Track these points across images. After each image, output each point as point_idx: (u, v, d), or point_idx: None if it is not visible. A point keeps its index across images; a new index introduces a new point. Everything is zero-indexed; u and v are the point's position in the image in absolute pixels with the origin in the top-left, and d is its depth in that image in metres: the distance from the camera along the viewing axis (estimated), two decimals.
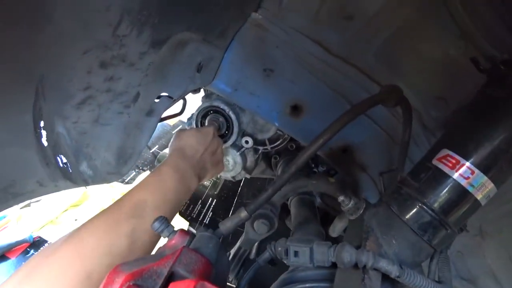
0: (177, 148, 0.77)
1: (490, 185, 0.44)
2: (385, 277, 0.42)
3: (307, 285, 0.46)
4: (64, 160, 0.61)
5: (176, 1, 0.56)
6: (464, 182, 0.44)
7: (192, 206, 1.58)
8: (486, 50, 0.66)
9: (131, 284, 0.28)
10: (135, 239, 0.53)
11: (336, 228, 0.94)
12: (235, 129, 0.95)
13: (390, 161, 0.84)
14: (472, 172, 0.43)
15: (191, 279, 0.29)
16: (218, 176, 1.21)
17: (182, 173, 0.70)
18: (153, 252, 0.43)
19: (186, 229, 0.49)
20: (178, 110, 1.29)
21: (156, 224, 0.41)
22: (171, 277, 0.31)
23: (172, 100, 0.73)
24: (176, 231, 0.41)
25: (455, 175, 0.44)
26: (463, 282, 0.99)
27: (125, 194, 0.61)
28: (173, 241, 0.40)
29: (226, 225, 0.48)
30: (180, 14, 0.60)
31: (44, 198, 1.40)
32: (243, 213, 0.47)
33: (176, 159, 0.73)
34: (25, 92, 0.49)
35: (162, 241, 0.58)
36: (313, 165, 1.14)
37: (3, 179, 0.53)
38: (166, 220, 0.42)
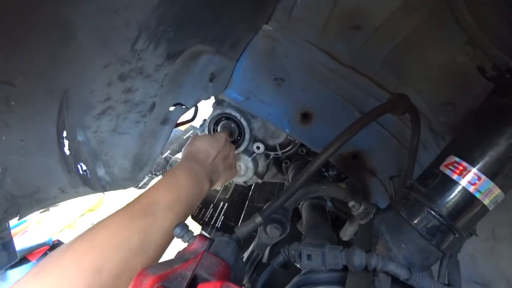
0: (190, 153, 0.79)
1: (497, 191, 0.45)
2: (395, 280, 0.43)
3: (319, 287, 0.48)
4: (84, 168, 0.64)
5: (190, 17, 0.59)
6: (471, 188, 0.45)
7: (204, 210, 1.61)
8: (495, 55, 0.67)
9: (159, 285, 0.30)
10: (147, 236, 0.54)
11: (347, 232, 0.95)
12: (247, 135, 0.97)
13: (399, 165, 0.85)
14: (479, 178, 0.45)
15: (215, 281, 0.31)
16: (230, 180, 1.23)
17: (194, 176, 0.71)
18: (172, 256, 0.46)
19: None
20: (190, 117, 1.32)
21: (177, 230, 0.44)
22: (194, 279, 0.33)
23: (186, 108, 0.76)
24: (196, 236, 0.44)
25: (462, 181, 0.45)
26: (477, 286, 0.98)
27: (139, 195, 0.63)
28: (193, 246, 0.43)
29: (241, 230, 0.50)
30: (194, 29, 0.63)
31: (63, 203, 1.45)
32: (258, 219, 0.49)
33: (189, 162, 0.75)
34: (50, 105, 0.52)
35: (175, 244, 0.60)
36: (323, 170, 1.15)
37: (28, 186, 0.56)
38: (186, 226, 0.45)
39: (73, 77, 0.52)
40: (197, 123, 1.24)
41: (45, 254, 1.29)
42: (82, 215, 1.45)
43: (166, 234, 0.58)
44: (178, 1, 0.54)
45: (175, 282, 0.31)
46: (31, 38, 0.44)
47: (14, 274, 1.17)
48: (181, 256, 0.42)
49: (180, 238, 0.44)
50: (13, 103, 0.47)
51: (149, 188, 0.65)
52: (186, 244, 0.44)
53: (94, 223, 1.37)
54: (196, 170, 0.73)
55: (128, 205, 0.59)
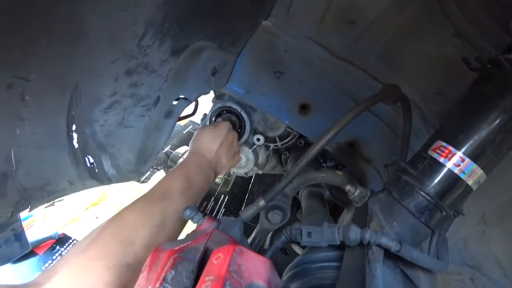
0: (195, 148, 0.89)
1: (480, 172, 0.49)
2: (389, 256, 0.47)
3: (318, 264, 0.52)
4: (91, 161, 0.66)
5: (194, 14, 0.62)
6: (456, 170, 0.49)
7: (205, 202, 1.65)
8: (482, 46, 0.70)
9: (176, 256, 0.33)
10: (166, 216, 0.63)
11: (345, 219, 0.99)
12: (247, 128, 1.01)
13: (394, 153, 0.88)
14: (463, 160, 0.49)
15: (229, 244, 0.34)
16: (231, 173, 1.26)
17: (202, 167, 0.82)
18: (183, 236, 0.50)
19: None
20: (191, 111, 1.35)
21: (188, 212, 0.48)
22: (206, 251, 0.37)
23: (188, 102, 0.79)
24: (204, 217, 0.47)
25: (448, 163, 0.49)
26: (468, 268, 1.01)
27: (155, 184, 0.73)
28: (202, 226, 0.46)
29: (246, 213, 0.54)
30: (197, 25, 0.65)
31: (67, 198, 1.47)
32: (261, 202, 0.53)
33: (195, 156, 0.85)
34: (61, 99, 0.54)
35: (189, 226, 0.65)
36: (321, 160, 1.19)
37: (40, 178, 0.58)
38: (195, 208, 0.48)
39: (83, 72, 0.54)
40: (196, 118, 1.27)
41: (52, 247, 1.33)
42: (87, 209, 1.48)
43: (181, 214, 0.66)
44: None
45: (190, 254, 0.35)
46: (46, 37, 0.46)
47: (22, 267, 1.20)
48: (192, 235, 0.45)
49: (190, 219, 0.48)
50: (27, 97, 0.49)
51: (163, 178, 0.75)
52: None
53: (98, 218, 1.40)
54: (202, 162, 0.83)
55: (148, 193, 0.69)
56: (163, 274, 0.32)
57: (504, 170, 0.62)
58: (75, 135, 0.61)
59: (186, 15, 0.60)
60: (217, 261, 0.28)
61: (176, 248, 0.37)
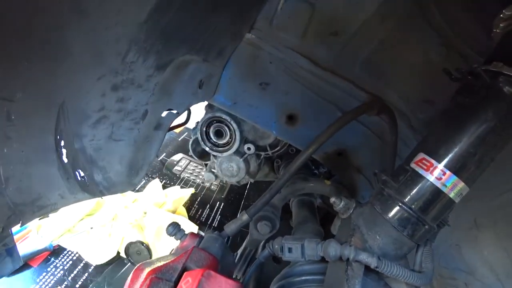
0: None
1: (462, 185, 0.49)
2: (372, 269, 0.47)
3: (302, 278, 0.52)
4: (82, 174, 0.66)
5: (177, 30, 0.62)
6: (438, 183, 0.49)
7: (200, 210, 1.65)
8: (468, 55, 0.71)
9: (153, 276, 0.34)
10: None
11: (337, 226, 0.99)
12: (237, 137, 1.01)
13: (383, 162, 0.89)
14: (444, 173, 0.48)
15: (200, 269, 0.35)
16: (224, 180, 1.26)
17: None
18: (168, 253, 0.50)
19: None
20: (184, 120, 1.36)
21: (170, 229, 0.48)
22: (184, 271, 0.37)
23: (177, 114, 0.80)
24: (187, 234, 0.48)
25: (430, 177, 0.49)
26: (462, 273, 1.02)
27: None
28: (185, 243, 0.47)
29: (230, 228, 0.54)
30: (181, 40, 0.66)
31: (61, 209, 1.47)
32: (245, 216, 0.54)
33: None
34: (48, 116, 0.55)
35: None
36: (313, 167, 1.19)
37: (30, 194, 0.58)
38: (178, 225, 0.48)
39: (69, 89, 0.55)
40: (191, 125, 1.27)
41: (47, 259, 1.32)
42: (81, 219, 1.48)
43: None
44: (165, 16, 0.57)
45: (167, 274, 0.35)
46: (28, 56, 0.47)
47: (17, 279, 1.19)
48: (174, 253, 0.46)
49: (172, 236, 0.48)
50: (13, 117, 0.50)
51: None
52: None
53: (93, 228, 1.38)
54: None
55: None
56: None
57: (495, 175, 0.62)
58: (64, 151, 0.62)
59: (169, 31, 0.61)
60: (186, 286, 0.28)
61: (154, 268, 0.37)
